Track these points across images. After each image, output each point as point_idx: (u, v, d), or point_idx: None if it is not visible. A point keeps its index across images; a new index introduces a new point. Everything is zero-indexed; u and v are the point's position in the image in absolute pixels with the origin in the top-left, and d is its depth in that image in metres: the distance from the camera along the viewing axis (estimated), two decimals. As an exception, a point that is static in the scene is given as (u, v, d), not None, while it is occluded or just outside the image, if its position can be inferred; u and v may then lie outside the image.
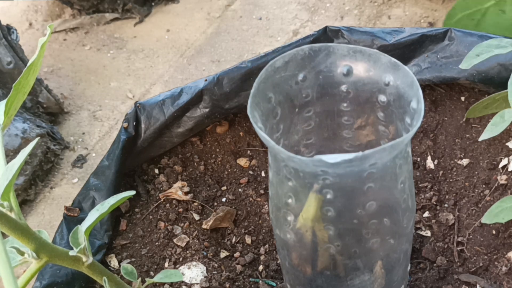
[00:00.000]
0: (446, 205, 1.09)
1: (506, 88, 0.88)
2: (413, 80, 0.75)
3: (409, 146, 0.78)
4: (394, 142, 0.69)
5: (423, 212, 1.09)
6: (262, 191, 1.16)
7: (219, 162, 1.21)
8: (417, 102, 0.74)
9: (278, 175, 0.80)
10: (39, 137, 1.15)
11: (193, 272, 1.05)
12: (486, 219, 0.99)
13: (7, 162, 0.70)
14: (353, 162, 0.69)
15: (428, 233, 1.06)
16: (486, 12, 1.30)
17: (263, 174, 1.19)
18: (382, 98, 0.80)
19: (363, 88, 0.81)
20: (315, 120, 0.86)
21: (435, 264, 1.02)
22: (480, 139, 0.93)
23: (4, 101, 0.75)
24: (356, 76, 0.80)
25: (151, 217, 1.14)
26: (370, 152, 0.68)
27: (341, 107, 0.85)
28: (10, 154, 1.29)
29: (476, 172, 1.11)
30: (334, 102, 0.85)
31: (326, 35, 1.19)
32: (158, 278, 0.91)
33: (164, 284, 1.04)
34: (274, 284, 1.03)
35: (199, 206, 1.14)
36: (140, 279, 0.90)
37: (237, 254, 1.08)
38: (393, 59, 0.77)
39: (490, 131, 0.90)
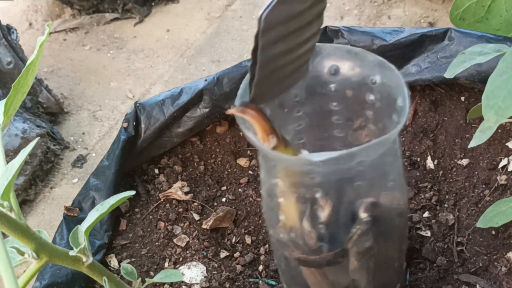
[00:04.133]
0: (446, 205, 1.09)
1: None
2: (399, 78, 0.75)
3: (397, 143, 0.78)
4: (380, 139, 0.69)
5: (423, 212, 1.09)
6: (262, 191, 1.16)
7: (219, 162, 1.21)
8: (403, 100, 0.74)
9: (269, 175, 0.80)
10: (39, 137, 1.15)
11: (193, 272, 1.05)
12: (481, 223, 0.99)
13: (7, 162, 0.70)
14: (339, 159, 0.69)
15: (428, 233, 1.06)
16: None
17: (263, 174, 1.19)
18: (370, 96, 0.81)
19: (351, 87, 0.81)
20: (305, 120, 0.87)
21: (435, 264, 1.02)
22: (469, 146, 0.93)
23: (4, 101, 0.75)
24: (343, 75, 0.80)
25: (151, 217, 1.14)
26: (356, 150, 0.68)
27: (330, 106, 0.85)
28: (10, 154, 1.29)
29: (476, 172, 1.11)
30: (323, 101, 0.85)
31: (326, 35, 1.19)
32: (158, 278, 0.91)
33: (164, 284, 1.04)
34: (274, 283, 1.03)
35: (199, 206, 1.15)
36: (140, 279, 0.90)
37: (237, 254, 1.08)
38: (380, 58, 0.77)
39: (478, 138, 0.90)
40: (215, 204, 1.16)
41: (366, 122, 0.85)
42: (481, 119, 1.14)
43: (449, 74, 0.88)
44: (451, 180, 1.12)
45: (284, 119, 0.85)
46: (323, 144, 0.90)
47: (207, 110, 1.17)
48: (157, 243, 1.10)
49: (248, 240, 1.10)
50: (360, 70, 0.79)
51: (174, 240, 1.10)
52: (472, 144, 0.91)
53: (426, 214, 1.08)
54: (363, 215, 0.79)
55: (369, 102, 0.81)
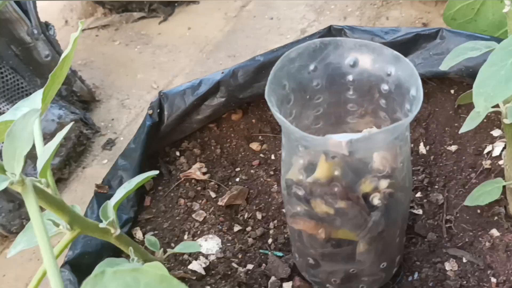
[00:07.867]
0: (436, 187, 1.09)
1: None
2: (413, 71, 0.75)
3: (407, 130, 0.78)
4: (396, 124, 0.70)
5: (416, 193, 1.08)
6: (272, 172, 1.16)
7: (234, 146, 1.21)
8: (416, 90, 0.74)
9: (291, 154, 0.80)
10: (73, 122, 1.16)
11: (209, 244, 1.05)
12: (468, 201, 1.00)
13: (45, 144, 0.71)
14: (360, 141, 0.70)
15: (420, 211, 1.06)
16: (485, 1, 1.27)
17: (273, 157, 1.19)
18: (385, 87, 0.81)
19: (368, 78, 0.81)
20: (323, 106, 0.87)
21: (426, 239, 1.02)
22: (460, 132, 0.93)
23: (42, 90, 0.75)
24: (361, 67, 0.81)
25: (172, 194, 1.14)
26: (376, 132, 0.69)
27: (347, 95, 0.86)
28: (47, 138, 1.30)
29: (464, 157, 1.11)
30: (341, 90, 0.85)
31: (331, 33, 1.19)
32: (178, 249, 0.91)
33: (183, 254, 1.04)
34: (281, 254, 1.03)
35: (215, 185, 1.14)
36: (162, 249, 0.90)
37: (249, 228, 1.08)
38: (395, 52, 0.78)
39: (468, 125, 0.90)
40: (230, 183, 1.16)
41: (379, 110, 0.85)
42: (469, 109, 1.14)
43: (444, 67, 0.88)
44: (441, 164, 1.12)
45: (305, 104, 0.85)
46: (337, 129, 0.91)
47: (223, 99, 1.17)
48: (177, 218, 1.10)
49: (259, 216, 1.10)
50: (377, 63, 0.80)
51: (193, 215, 1.10)
52: (463, 129, 0.91)
53: (418, 194, 1.08)
54: (377, 202, 0.80)
55: (383, 92, 0.81)
